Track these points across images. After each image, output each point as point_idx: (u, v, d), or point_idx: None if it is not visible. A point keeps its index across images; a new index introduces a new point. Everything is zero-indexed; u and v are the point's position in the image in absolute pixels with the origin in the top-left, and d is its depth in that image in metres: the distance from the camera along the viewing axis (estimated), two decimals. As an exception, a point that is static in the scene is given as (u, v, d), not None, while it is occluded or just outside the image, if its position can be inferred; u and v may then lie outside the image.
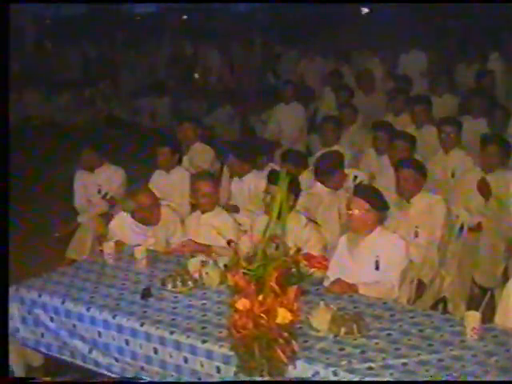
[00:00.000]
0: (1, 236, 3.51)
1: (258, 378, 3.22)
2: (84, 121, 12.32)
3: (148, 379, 3.87)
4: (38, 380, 3.47)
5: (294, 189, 4.65)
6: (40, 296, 4.27)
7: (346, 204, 4.45)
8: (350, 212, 4.34)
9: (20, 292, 4.34)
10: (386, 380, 3.27)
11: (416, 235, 5.00)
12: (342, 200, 5.30)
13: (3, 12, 3.71)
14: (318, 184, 5.53)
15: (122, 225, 5.22)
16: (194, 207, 5.41)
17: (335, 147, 6.75)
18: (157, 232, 5.16)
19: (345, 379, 3.29)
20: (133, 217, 5.14)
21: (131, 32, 16.15)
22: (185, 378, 3.73)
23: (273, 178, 4.65)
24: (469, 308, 4.64)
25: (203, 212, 5.05)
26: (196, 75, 13.19)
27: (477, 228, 5.43)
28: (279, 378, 3.25)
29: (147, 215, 5.11)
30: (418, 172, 5.08)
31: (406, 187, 5.06)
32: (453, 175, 6.17)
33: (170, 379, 3.79)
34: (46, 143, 11.06)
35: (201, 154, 6.94)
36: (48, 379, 4.26)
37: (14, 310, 4.35)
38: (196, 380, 3.69)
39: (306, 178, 5.87)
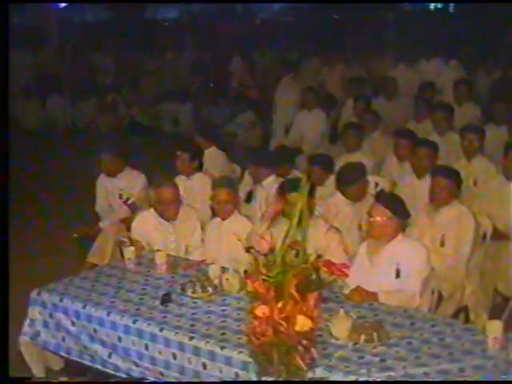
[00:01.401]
0: (1, 237, 3.51)
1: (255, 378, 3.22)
2: (106, 126, 12.38)
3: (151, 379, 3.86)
4: (38, 380, 3.49)
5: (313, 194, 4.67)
6: (61, 300, 4.29)
7: (368, 211, 4.43)
8: (372, 219, 4.32)
9: (42, 296, 4.37)
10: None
11: (442, 244, 4.96)
12: (361, 212, 5.29)
13: (3, 12, 3.72)
14: (338, 194, 5.51)
15: (145, 222, 5.28)
16: (214, 213, 5.43)
17: (357, 153, 6.74)
18: (178, 229, 5.19)
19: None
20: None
21: (154, 37, 16.23)
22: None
23: (292, 185, 4.64)
24: (491, 317, 4.59)
25: (223, 219, 5.07)
26: (234, 84, 13.24)
27: (500, 236, 5.38)
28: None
29: (166, 209, 5.14)
30: (452, 182, 5.03)
31: (439, 195, 5.02)
32: (475, 183, 6.13)
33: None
34: (69, 148, 11.14)
35: (212, 160, 6.91)
36: (46, 379, 4.27)
37: (36, 313, 4.38)
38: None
39: (328, 185, 5.90)
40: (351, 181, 5.41)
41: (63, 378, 4.37)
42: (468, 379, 3.27)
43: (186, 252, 5.16)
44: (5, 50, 3.72)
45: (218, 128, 9.60)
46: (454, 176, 5.09)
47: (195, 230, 5.24)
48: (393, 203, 4.37)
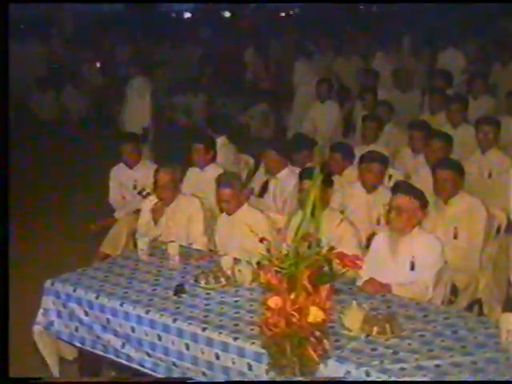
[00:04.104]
0: (0, 234, 3.51)
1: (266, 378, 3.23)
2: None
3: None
4: (39, 380, 3.50)
5: (328, 184, 4.70)
6: (75, 290, 4.31)
7: (390, 203, 4.36)
8: (397, 211, 4.27)
9: (55, 286, 4.40)
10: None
11: (455, 236, 4.94)
12: (374, 204, 5.29)
13: (3, 12, 3.72)
14: (357, 184, 5.51)
15: (151, 204, 5.44)
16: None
17: (372, 146, 6.73)
18: (175, 216, 5.27)
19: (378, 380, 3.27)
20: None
21: (168, 29, 16.24)
22: (216, 375, 3.74)
23: (307, 173, 4.67)
24: (504, 310, 4.57)
25: (230, 214, 5.07)
26: (248, 75, 13.25)
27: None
28: (310, 377, 3.24)
29: (161, 192, 5.28)
30: (456, 173, 5.02)
31: (444, 188, 5.01)
32: (490, 175, 6.10)
33: (202, 377, 3.81)
34: (83, 138, 11.18)
35: (222, 151, 6.86)
36: (48, 379, 4.28)
37: (50, 303, 4.41)
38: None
39: (347, 176, 5.90)
40: (374, 159, 5.42)
41: (64, 379, 4.40)
42: (480, 371, 3.26)
43: (188, 241, 5.19)
44: (5, 46, 3.73)
45: (228, 119, 9.58)
46: (455, 166, 5.07)
47: (197, 219, 5.28)
48: (418, 194, 4.36)
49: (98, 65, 14.25)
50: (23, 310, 4.66)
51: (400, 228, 4.32)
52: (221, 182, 5.09)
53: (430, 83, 9.23)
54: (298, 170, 5.83)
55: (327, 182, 4.73)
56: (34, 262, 6.47)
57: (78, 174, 9.39)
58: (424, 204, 4.35)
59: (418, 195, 4.34)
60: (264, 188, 6.24)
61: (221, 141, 6.93)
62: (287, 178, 5.98)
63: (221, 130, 7.18)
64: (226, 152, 6.76)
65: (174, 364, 3.91)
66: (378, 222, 5.29)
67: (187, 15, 19.87)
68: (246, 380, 3.60)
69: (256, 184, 6.40)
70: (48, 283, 4.42)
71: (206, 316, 3.89)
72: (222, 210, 5.17)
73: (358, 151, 6.48)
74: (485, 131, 6.22)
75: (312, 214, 3.14)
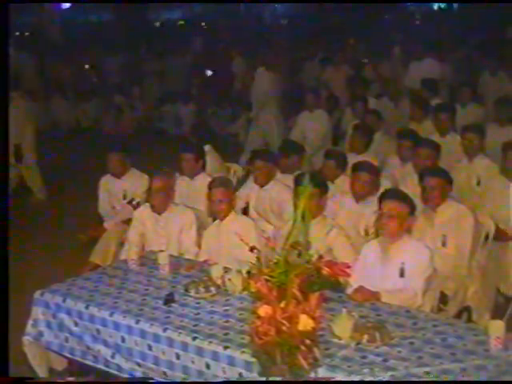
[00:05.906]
0: (1, 237, 3.52)
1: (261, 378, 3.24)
2: (111, 127, 12.43)
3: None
4: (39, 380, 3.50)
5: (323, 191, 4.72)
6: (64, 301, 4.30)
7: (382, 209, 4.38)
8: (390, 217, 4.29)
9: (45, 297, 4.38)
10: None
11: (443, 244, 4.97)
12: (362, 214, 5.31)
13: (3, 12, 3.73)
14: (348, 194, 5.52)
15: (142, 214, 5.43)
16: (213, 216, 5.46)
17: (362, 155, 6.74)
18: (169, 225, 5.28)
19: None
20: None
21: (157, 39, 16.26)
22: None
23: (299, 179, 4.69)
24: (493, 317, 4.60)
25: (221, 219, 5.07)
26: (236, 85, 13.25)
27: (502, 237, 5.38)
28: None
29: (154, 198, 5.28)
30: (443, 180, 5.04)
31: (432, 196, 5.02)
32: (478, 183, 6.13)
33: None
34: (73, 149, 11.17)
35: (207, 160, 6.88)
36: (47, 379, 4.28)
37: (39, 314, 4.40)
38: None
39: (339, 184, 5.93)
40: (362, 168, 5.45)
41: (64, 379, 4.39)
42: (469, 379, 3.28)
43: (179, 250, 5.21)
44: (5, 50, 3.74)
45: (212, 127, 9.58)
46: (442, 174, 5.10)
47: (190, 229, 5.29)
48: (409, 199, 4.39)
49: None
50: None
51: (392, 233, 4.34)
52: (214, 183, 5.11)
53: (411, 93, 9.24)
54: (286, 180, 5.85)
55: (322, 188, 4.78)
56: (34, 265, 6.44)
57: (68, 184, 9.37)
58: (412, 209, 4.39)
59: (407, 200, 4.38)
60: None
61: (206, 149, 6.94)
62: (276, 189, 5.98)
63: (205, 138, 7.19)
64: (211, 160, 6.75)
65: (165, 374, 3.91)
66: (367, 233, 5.31)
67: (176, 25, 19.90)
68: (243, 380, 3.60)
69: (243, 193, 6.42)
70: (37, 294, 4.41)
71: (196, 325, 3.89)
72: (214, 214, 5.16)
73: (349, 160, 6.51)
74: (469, 139, 6.26)
75: (303, 221, 3.15)
